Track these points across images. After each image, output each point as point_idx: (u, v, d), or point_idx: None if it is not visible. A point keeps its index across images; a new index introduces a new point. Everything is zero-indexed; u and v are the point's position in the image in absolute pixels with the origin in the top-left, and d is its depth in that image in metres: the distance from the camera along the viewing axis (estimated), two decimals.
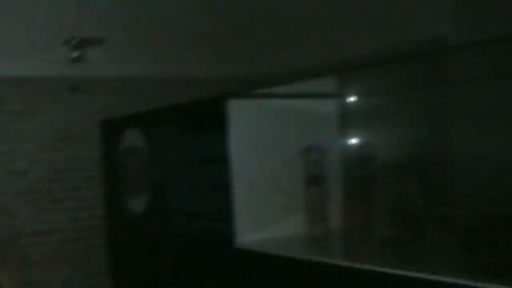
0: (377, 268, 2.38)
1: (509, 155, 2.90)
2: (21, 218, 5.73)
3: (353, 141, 3.55)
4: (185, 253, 3.75)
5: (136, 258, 4.31)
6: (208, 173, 3.50)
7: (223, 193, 3.29)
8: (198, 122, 3.59)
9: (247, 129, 3.29)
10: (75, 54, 4.96)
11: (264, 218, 3.30)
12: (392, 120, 3.48)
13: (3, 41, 4.54)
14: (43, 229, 5.74)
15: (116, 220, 4.57)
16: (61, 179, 5.76)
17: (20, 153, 5.68)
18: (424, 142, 3.39)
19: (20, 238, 5.76)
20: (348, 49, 4.61)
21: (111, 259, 4.74)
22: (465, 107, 3.27)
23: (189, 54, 5.45)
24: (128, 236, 4.39)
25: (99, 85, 5.81)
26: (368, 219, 3.24)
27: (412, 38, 4.08)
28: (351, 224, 3.33)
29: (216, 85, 4.97)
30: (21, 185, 5.68)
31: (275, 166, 3.33)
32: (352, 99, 3.59)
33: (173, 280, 3.90)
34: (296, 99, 3.42)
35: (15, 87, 5.58)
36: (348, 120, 3.55)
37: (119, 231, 4.56)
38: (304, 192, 3.27)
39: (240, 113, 3.27)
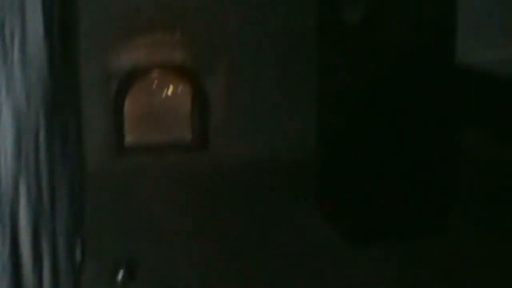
0: None
1: None
2: (232, 24, 5.89)
3: None
4: (401, 68, 3.67)
5: (346, 73, 4.28)
6: None
7: (448, 6, 3.13)
8: None
9: None
10: None
11: (492, 36, 3.11)
12: None
13: None
14: (253, 39, 5.88)
15: (328, 31, 4.51)
16: None
17: None
18: None
19: (231, 45, 5.94)
20: None
21: (319, 73, 4.75)
22: None
23: None
24: (340, 49, 4.35)
25: None
26: None
27: None
28: None
29: None
30: None
31: None
32: None
33: (385, 99, 3.86)
34: None
35: None
36: None
37: (330, 43, 4.52)
38: None
39: None
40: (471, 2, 3.08)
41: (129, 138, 6.78)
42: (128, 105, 6.67)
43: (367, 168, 4.12)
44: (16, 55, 1.49)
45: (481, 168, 3.08)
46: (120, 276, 3.41)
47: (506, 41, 3.10)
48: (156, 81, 6.67)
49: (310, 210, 4.90)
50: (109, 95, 6.33)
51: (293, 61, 5.94)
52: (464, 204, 3.25)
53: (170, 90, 6.73)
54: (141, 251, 4.19)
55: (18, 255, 1.37)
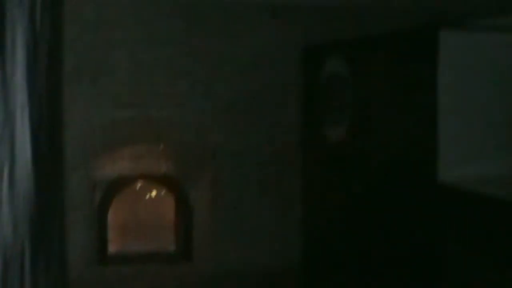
0: None
1: None
2: (216, 137, 5.95)
3: None
4: (383, 184, 3.72)
5: (330, 187, 4.34)
6: (413, 103, 3.41)
7: (428, 124, 3.21)
8: (406, 52, 3.49)
9: (459, 62, 3.15)
10: None
11: (472, 153, 3.17)
12: None
13: None
14: (237, 150, 5.92)
15: (312, 146, 4.60)
16: (256, 102, 5.88)
17: (218, 75, 5.85)
18: None
19: (215, 157, 5.99)
20: None
21: (304, 187, 4.80)
22: None
23: None
24: (324, 164, 4.42)
25: (299, 12, 5.83)
26: None
27: None
28: None
29: (419, 17, 4.83)
30: (218, 106, 5.88)
31: (488, 100, 3.17)
32: None
33: (368, 213, 3.89)
34: None
35: (216, 11, 5.75)
36: None
37: (314, 158, 4.60)
38: None
39: (452, 46, 3.14)
40: (451, 119, 3.16)
41: (112, 247, 6.73)
42: (112, 214, 6.66)
43: (352, 280, 4.10)
44: (4, 189, 1.50)
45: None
46: None
47: (486, 158, 3.16)
48: (140, 191, 6.69)
49: None
50: (93, 204, 6.32)
51: (277, 173, 5.98)
52: None
53: (153, 200, 6.74)
54: None
55: None
